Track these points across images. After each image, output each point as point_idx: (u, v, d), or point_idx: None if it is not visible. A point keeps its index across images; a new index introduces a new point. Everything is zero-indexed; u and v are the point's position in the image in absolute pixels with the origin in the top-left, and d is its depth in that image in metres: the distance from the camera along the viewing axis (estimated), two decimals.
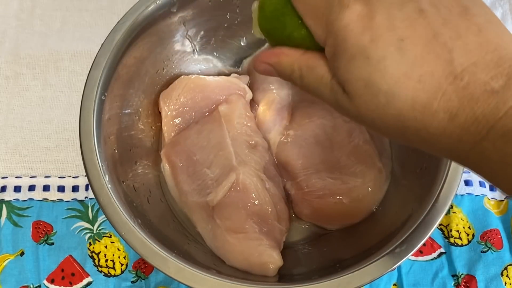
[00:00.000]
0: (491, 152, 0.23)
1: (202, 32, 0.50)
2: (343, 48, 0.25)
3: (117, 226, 0.38)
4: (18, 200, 0.51)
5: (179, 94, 0.49)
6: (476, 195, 0.51)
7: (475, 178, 0.52)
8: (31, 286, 0.48)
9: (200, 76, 0.50)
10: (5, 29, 0.59)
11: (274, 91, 0.50)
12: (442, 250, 0.50)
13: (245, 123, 0.48)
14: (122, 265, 0.49)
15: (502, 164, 0.23)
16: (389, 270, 0.37)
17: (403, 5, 0.24)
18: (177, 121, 0.49)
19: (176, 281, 0.37)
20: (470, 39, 0.24)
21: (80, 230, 0.50)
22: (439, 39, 0.24)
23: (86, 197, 0.51)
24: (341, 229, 0.47)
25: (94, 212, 0.50)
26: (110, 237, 0.50)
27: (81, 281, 0.48)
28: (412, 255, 0.38)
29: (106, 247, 0.49)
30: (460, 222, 0.50)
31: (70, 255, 0.49)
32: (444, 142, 0.25)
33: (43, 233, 0.50)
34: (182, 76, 0.50)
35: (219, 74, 0.53)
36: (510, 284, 0.48)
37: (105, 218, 0.48)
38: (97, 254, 0.49)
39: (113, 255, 0.49)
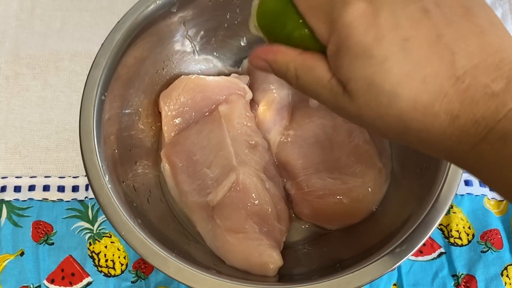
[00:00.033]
0: (489, 153, 0.23)
1: (202, 32, 0.50)
2: (347, 46, 0.25)
3: (117, 226, 0.38)
4: (18, 200, 0.51)
5: (179, 94, 0.49)
6: (476, 195, 0.51)
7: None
8: (31, 286, 0.48)
9: (200, 76, 0.50)
10: (5, 29, 0.59)
11: (274, 91, 0.50)
12: (442, 250, 0.50)
13: (245, 123, 0.48)
14: (122, 265, 0.49)
15: (499, 165, 0.23)
16: (389, 270, 0.37)
17: (407, 4, 0.24)
18: (177, 121, 0.49)
19: (176, 281, 0.37)
20: (472, 41, 0.24)
21: (80, 230, 0.50)
22: (442, 40, 0.24)
23: (86, 197, 0.51)
24: (341, 229, 0.47)
25: (94, 212, 0.50)
26: (110, 237, 0.50)
27: (81, 281, 0.48)
28: (412, 255, 0.38)
29: (106, 247, 0.49)
30: (460, 222, 0.50)
31: (70, 255, 0.49)
32: (443, 144, 0.25)
33: (43, 233, 0.50)
34: (182, 76, 0.50)
35: (219, 74, 0.53)
36: (510, 284, 0.48)
37: (105, 218, 0.48)
38: (97, 254, 0.49)
39: (113, 255, 0.49)
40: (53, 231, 0.50)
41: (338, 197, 0.46)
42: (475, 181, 0.52)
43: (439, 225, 0.49)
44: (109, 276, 0.48)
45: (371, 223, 0.46)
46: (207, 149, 0.46)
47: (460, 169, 0.39)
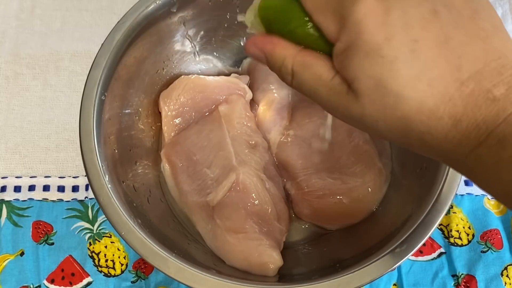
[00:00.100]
0: (486, 157, 0.24)
1: (202, 32, 0.50)
2: (356, 44, 0.25)
3: (117, 226, 0.38)
4: (18, 200, 0.51)
5: (179, 94, 0.49)
6: (476, 195, 0.51)
7: None
8: (31, 286, 0.48)
9: (200, 76, 0.50)
10: (5, 29, 0.59)
11: (274, 91, 0.50)
12: (442, 250, 0.50)
13: (245, 123, 0.48)
14: (122, 265, 0.49)
15: (496, 169, 0.23)
16: (389, 270, 0.37)
17: (419, 4, 0.24)
18: (177, 121, 0.49)
19: (176, 281, 0.37)
20: (478, 45, 0.24)
21: (80, 230, 0.50)
22: (450, 43, 0.24)
23: (86, 197, 0.51)
24: (341, 229, 0.47)
25: (94, 212, 0.50)
26: (110, 237, 0.50)
27: (81, 281, 0.48)
28: (412, 255, 0.38)
29: (106, 247, 0.49)
30: (460, 222, 0.50)
31: (70, 255, 0.49)
32: (443, 146, 0.25)
33: (43, 233, 0.50)
34: (182, 76, 0.50)
35: (219, 74, 0.53)
36: (510, 284, 0.48)
37: (105, 218, 0.48)
38: (97, 254, 0.49)
39: (113, 255, 0.49)
40: (53, 231, 0.50)
41: (338, 197, 0.46)
42: None
43: (439, 225, 0.49)
44: (109, 276, 0.48)
45: (371, 223, 0.46)
46: (207, 149, 0.46)
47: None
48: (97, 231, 0.50)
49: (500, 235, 0.50)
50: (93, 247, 0.49)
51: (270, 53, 0.29)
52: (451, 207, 0.51)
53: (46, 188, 0.51)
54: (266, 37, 0.29)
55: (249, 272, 0.42)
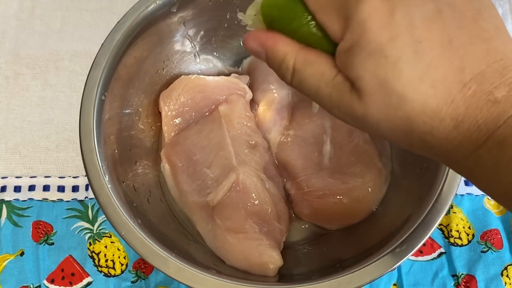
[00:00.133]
0: (486, 158, 0.24)
1: (202, 32, 0.50)
2: (361, 44, 0.25)
3: (117, 226, 0.38)
4: (18, 200, 0.51)
5: (179, 94, 0.49)
6: (476, 195, 0.51)
7: None
8: (31, 286, 0.48)
9: (200, 76, 0.50)
10: (5, 29, 0.59)
11: (274, 91, 0.50)
12: (442, 250, 0.49)
13: (245, 123, 0.48)
14: (122, 265, 0.49)
15: (495, 170, 0.23)
16: (389, 270, 0.37)
17: (424, 4, 0.24)
18: (177, 121, 0.49)
19: (176, 281, 0.37)
20: (480, 46, 0.24)
21: (80, 230, 0.50)
22: (453, 44, 0.24)
23: (86, 197, 0.51)
24: (341, 229, 0.47)
25: (94, 212, 0.50)
26: (110, 237, 0.50)
27: (81, 281, 0.48)
28: (412, 255, 0.38)
29: (106, 247, 0.49)
30: (460, 222, 0.50)
31: (70, 255, 0.49)
32: (444, 147, 0.25)
33: (43, 233, 0.50)
34: (182, 76, 0.50)
35: (219, 74, 0.53)
36: (510, 284, 0.48)
37: (105, 218, 0.48)
38: (97, 254, 0.49)
39: (113, 255, 0.49)
40: (53, 231, 0.50)
41: (338, 197, 0.46)
42: None
43: (439, 225, 0.49)
44: (109, 276, 0.48)
45: (371, 223, 0.46)
46: (207, 149, 0.46)
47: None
48: (97, 231, 0.50)
49: (500, 235, 0.50)
50: (93, 247, 0.49)
51: (271, 48, 0.28)
52: (451, 207, 0.51)
53: (46, 188, 0.51)
54: (267, 33, 0.29)
55: (249, 272, 0.42)
